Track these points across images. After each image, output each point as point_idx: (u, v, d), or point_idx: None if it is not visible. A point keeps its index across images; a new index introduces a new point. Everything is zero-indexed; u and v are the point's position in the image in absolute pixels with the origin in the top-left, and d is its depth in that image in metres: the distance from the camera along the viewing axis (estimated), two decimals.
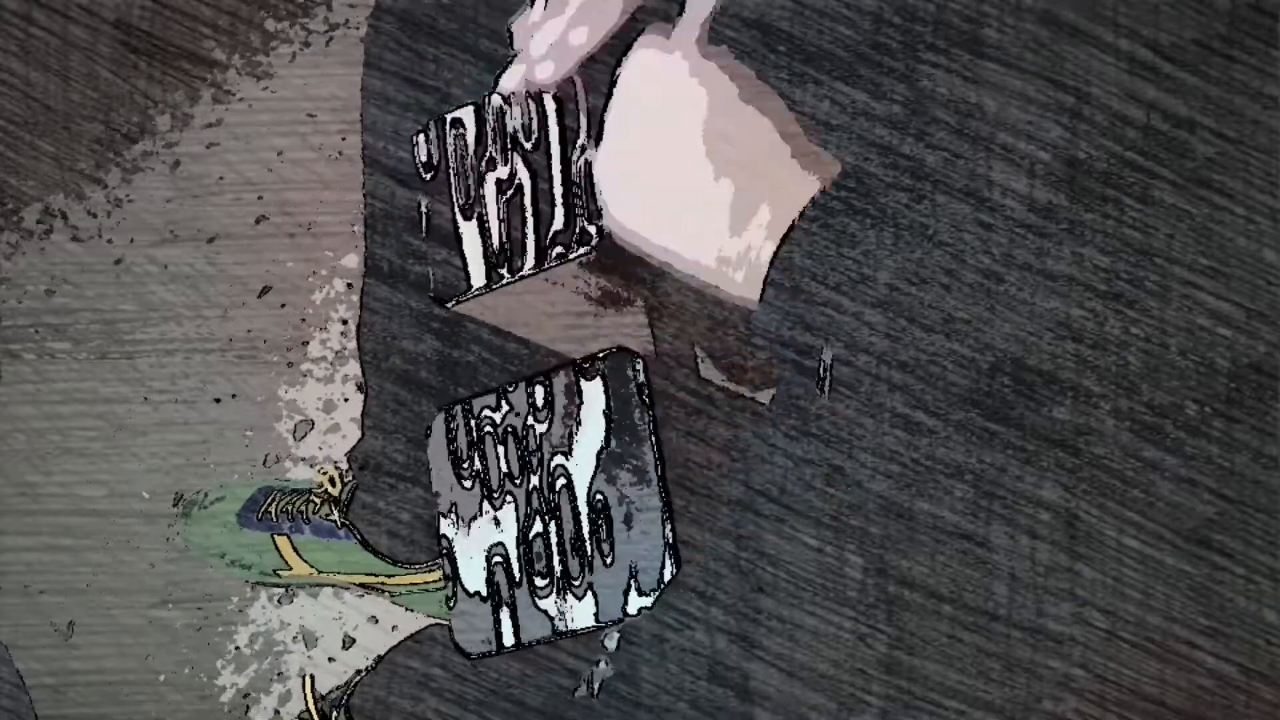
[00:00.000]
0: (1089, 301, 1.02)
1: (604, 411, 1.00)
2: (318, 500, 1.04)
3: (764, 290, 1.00)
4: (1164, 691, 1.01)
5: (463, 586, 1.02)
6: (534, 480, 1.01)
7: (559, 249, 1.02)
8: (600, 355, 1.01)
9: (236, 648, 1.05)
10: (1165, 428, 1.02)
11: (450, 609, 1.02)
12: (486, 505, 1.02)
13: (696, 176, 0.99)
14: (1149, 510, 1.02)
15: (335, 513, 1.04)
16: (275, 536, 1.04)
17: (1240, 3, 1.03)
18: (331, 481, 1.04)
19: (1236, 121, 1.03)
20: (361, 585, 1.04)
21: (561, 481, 1.00)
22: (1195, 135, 1.03)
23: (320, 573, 1.04)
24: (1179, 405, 1.02)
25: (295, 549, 1.04)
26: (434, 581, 1.03)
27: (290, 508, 1.04)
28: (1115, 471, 1.02)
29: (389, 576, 1.03)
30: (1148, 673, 1.01)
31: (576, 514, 1.00)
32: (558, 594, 1.00)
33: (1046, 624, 1.01)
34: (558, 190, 1.02)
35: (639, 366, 1.00)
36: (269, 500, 1.04)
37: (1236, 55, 1.03)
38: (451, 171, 1.03)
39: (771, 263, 1.00)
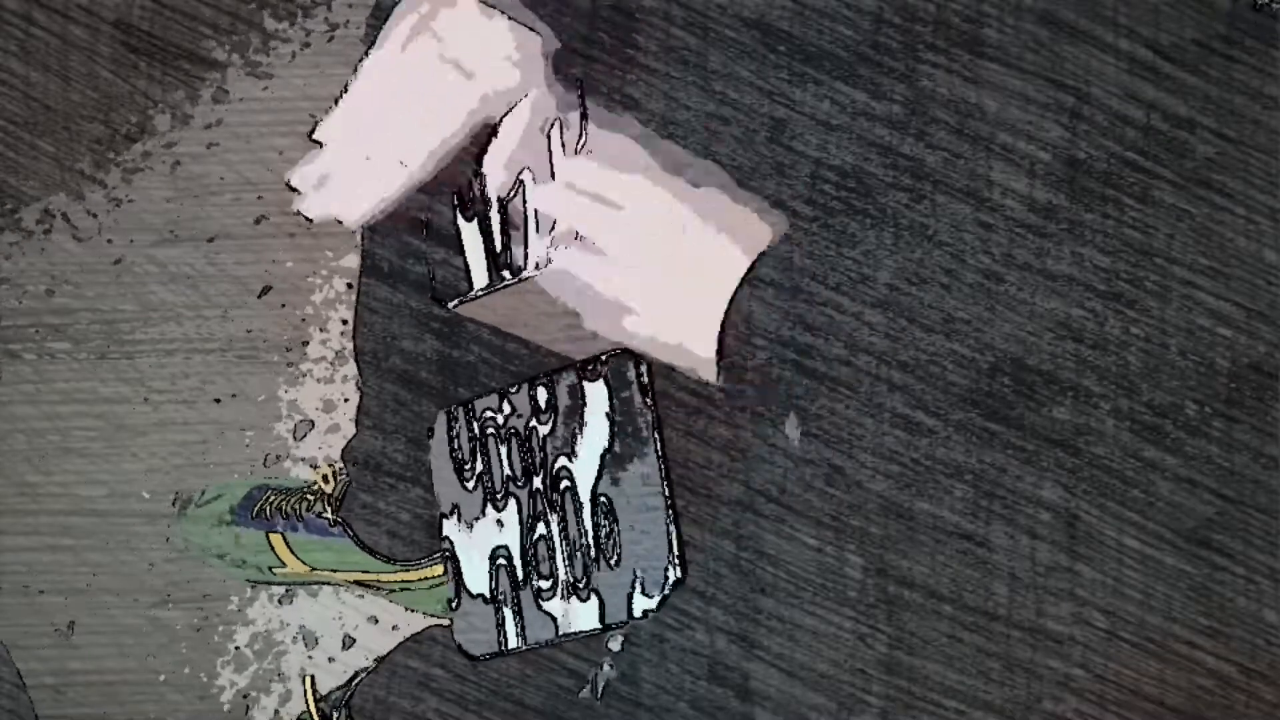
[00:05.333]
0: (1089, 301, 1.02)
1: (607, 413, 1.00)
2: (312, 498, 1.04)
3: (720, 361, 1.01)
4: (1164, 691, 1.01)
5: (466, 588, 1.02)
6: (537, 482, 1.01)
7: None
8: (603, 357, 1.01)
9: (236, 648, 1.05)
10: (1165, 428, 1.02)
11: (454, 610, 1.02)
12: (489, 507, 1.02)
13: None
14: (1149, 510, 1.02)
15: (328, 511, 1.04)
16: (270, 534, 1.04)
17: (1240, 3, 1.04)
18: (326, 479, 1.04)
19: (1236, 121, 1.03)
20: (358, 583, 1.04)
21: (565, 483, 1.00)
22: (1195, 135, 1.03)
23: (316, 570, 1.04)
24: (1179, 405, 1.02)
25: (290, 547, 1.04)
26: (431, 578, 1.03)
27: (285, 505, 1.04)
28: (1115, 471, 1.02)
29: (384, 574, 1.03)
30: (1148, 673, 1.01)
31: (580, 516, 1.00)
32: (561, 596, 1.00)
33: (1046, 624, 1.01)
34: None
35: (641, 368, 1.00)
36: (264, 498, 1.04)
37: (1236, 55, 1.03)
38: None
39: (724, 328, 1.01)
